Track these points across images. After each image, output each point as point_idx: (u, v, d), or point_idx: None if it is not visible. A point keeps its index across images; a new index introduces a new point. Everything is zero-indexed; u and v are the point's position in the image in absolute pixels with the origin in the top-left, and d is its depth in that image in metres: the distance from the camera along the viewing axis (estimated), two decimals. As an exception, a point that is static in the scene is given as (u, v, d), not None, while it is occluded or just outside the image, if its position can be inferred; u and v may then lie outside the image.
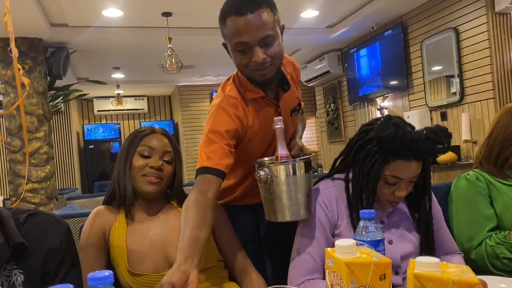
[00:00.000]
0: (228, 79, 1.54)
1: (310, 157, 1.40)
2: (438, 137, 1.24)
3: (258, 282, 1.43)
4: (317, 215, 1.39)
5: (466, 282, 0.52)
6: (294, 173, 1.34)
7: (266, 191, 1.37)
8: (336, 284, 0.64)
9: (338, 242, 0.65)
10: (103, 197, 1.53)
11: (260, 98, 1.51)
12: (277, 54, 1.35)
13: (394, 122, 1.26)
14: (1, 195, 7.25)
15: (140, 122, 9.66)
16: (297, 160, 1.37)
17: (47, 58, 4.90)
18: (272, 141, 1.55)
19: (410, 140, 1.22)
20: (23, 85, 3.44)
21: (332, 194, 1.41)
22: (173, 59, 4.26)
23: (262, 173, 1.34)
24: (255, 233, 1.67)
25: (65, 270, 1.18)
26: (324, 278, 1.30)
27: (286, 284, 1.28)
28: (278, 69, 1.42)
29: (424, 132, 1.24)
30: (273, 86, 1.52)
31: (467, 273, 0.55)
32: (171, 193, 1.46)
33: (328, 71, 6.51)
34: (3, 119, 6.00)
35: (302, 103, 1.71)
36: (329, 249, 0.67)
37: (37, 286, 1.13)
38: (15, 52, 1.56)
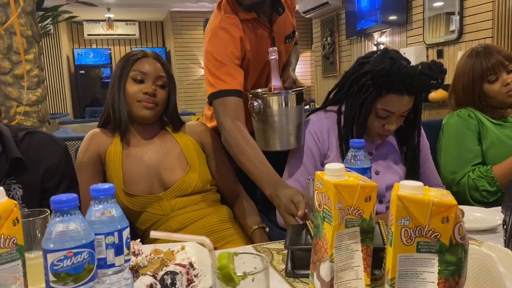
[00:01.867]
0: None
1: (302, 89, 1.42)
2: (433, 72, 1.25)
3: (248, 206, 1.50)
4: (308, 145, 1.43)
5: (445, 203, 0.57)
6: (286, 104, 1.37)
7: (258, 121, 1.41)
8: (324, 204, 0.68)
9: (328, 165, 0.68)
10: (95, 123, 1.60)
11: (253, 20, 1.50)
12: None
13: (390, 56, 1.26)
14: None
15: (131, 48, 9.43)
16: (290, 92, 1.39)
17: (35, -25, 4.64)
18: (264, 69, 1.56)
19: (405, 75, 1.24)
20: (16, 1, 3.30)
21: (324, 126, 1.44)
22: (166, -18, 4.07)
23: (255, 103, 1.37)
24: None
25: (64, 187, 1.23)
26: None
27: (275, 210, 1.34)
28: None
29: (419, 67, 1.25)
30: (266, 8, 1.50)
31: (446, 196, 0.59)
32: (166, 118, 1.47)
33: (327, 2, 6.30)
34: (-10, 39, 5.79)
35: (296, 32, 1.70)
36: (319, 172, 0.71)
37: (36, 201, 1.17)
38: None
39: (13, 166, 1.14)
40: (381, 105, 1.30)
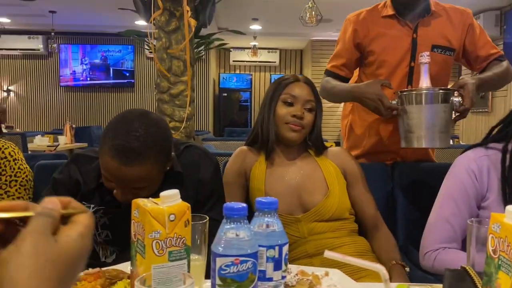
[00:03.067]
0: None
1: (450, 90, 1.43)
2: None
3: (388, 240, 1.42)
4: (464, 183, 1.30)
5: None
6: (432, 102, 1.36)
7: (404, 118, 1.45)
8: (500, 250, 0.61)
9: (510, 207, 0.61)
10: (233, 142, 1.78)
11: (393, 17, 1.67)
12: None
13: None
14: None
15: (270, 75, 9.88)
16: (437, 89, 1.41)
17: (196, 6, 5.21)
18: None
19: None
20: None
21: (484, 164, 1.30)
22: (313, 12, 4.20)
23: (399, 100, 1.45)
24: (389, 192, 1.64)
25: (213, 201, 1.28)
26: (461, 249, 1.23)
27: (418, 248, 1.25)
28: None
29: None
30: (416, 9, 1.64)
31: None
32: (310, 141, 1.49)
33: (481, 33, 5.81)
34: (154, 62, 6.64)
35: (455, 49, 1.69)
36: (496, 213, 0.63)
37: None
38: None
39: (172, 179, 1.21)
40: None
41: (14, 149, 1.42)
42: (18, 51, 8.39)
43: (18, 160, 1.40)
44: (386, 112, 1.47)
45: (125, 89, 8.75)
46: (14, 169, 1.38)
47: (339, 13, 6.35)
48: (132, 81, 8.80)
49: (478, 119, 6.33)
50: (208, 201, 1.28)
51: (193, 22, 1.96)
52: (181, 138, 5.42)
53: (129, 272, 0.86)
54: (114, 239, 1.26)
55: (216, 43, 6.78)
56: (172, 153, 1.17)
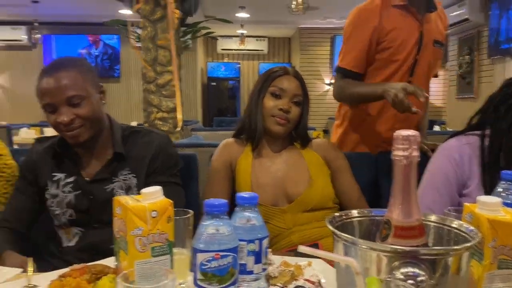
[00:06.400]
0: None
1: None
2: None
3: None
4: (445, 171, 1.33)
5: None
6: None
7: None
8: (473, 239, 0.63)
9: (482, 198, 0.62)
10: (223, 131, 1.79)
11: (403, 7, 1.65)
12: None
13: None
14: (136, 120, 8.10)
15: (259, 63, 9.84)
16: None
17: (181, -5, 5.14)
18: (404, 62, 1.65)
19: None
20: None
21: (465, 152, 1.33)
22: (299, 0, 4.19)
23: None
24: (374, 180, 1.67)
25: (171, 169, 1.37)
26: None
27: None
28: None
29: None
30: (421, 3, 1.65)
31: None
32: (295, 135, 1.50)
33: (467, 19, 5.84)
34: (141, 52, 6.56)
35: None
36: (468, 204, 0.65)
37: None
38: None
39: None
40: None
41: None
42: (1, 42, 8.23)
43: (4, 155, 1.40)
44: (407, 101, 1.38)
45: (110, 79, 8.65)
46: None
47: (326, 1, 6.34)
48: (118, 71, 8.70)
49: (465, 105, 6.40)
50: (167, 169, 1.35)
51: (177, 13, 1.95)
52: (169, 128, 5.40)
53: (113, 267, 0.87)
54: (77, 219, 1.29)
55: (203, 31, 6.72)
56: (102, 85, 1.33)
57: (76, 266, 0.86)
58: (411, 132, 0.58)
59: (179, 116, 2.42)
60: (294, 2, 4.19)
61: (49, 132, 5.22)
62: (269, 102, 1.44)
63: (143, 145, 1.35)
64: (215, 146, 1.57)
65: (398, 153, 0.58)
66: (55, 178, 1.30)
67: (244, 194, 0.63)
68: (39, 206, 1.33)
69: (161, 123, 5.33)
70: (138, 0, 4.88)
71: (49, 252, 1.33)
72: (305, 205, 1.41)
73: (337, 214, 0.65)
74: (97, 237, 1.27)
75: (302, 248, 0.51)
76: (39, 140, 1.40)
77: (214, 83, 9.65)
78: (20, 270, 0.95)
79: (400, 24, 1.64)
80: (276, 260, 0.86)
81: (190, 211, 0.87)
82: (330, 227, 0.60)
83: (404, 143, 0.57)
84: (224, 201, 0.58)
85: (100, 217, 1.28)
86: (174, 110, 5.39)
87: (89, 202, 1.29)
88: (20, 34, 8.15)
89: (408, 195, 0.58)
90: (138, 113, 8.72)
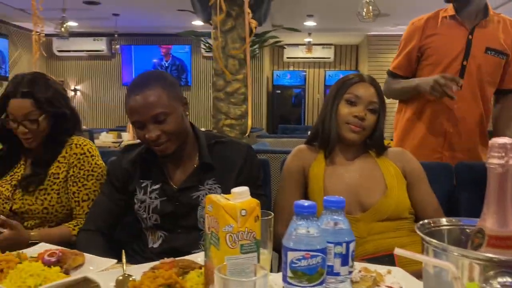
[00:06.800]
0: None
1: None
2: None
3: None
4: None
5: None
6: None
7: None
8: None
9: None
10: (287, 139, 1.93)
11: (452, 17, 1.83)
12: None
13: None
14: (205, 127, 8.37)
15: (325, 71, 9.79)
16: None
17: (251, 5, 5.26)
18: (447, 68, 1.81)
19: None
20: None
21: None
22: (370, 7, 4.12)
23: None
24: (452, 193, 1.61)
25: (255, 180, 1.41)
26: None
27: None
28: None
29: None
30: (473, 11, 1.82)
31: None
32: (370, 142, 1.49)
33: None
34: (211, 61, 6.79)
35: (509, 54, 1.81)
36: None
37: None
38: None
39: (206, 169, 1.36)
40: None
41: (91, 146, 1.54)
42: (84, 52, 8.90)
43: (95, 156, 1.52)
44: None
45: (182, 87, 9.02)
46: (91, 164, 1.50)
47: (397, 7, 6.18)
48: (189, 79, 9.07)
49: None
50: (253, 182, 1.36)
51: (254, 24, 2.05)
52: (235, 135, 5.53)
53: (200, 263, 0.93)
54: (162, 223, 1.35)
55: (271, 40, 6.83)
56: (185, 98, 1.36)
57: (165, 259, 0.92)
58: (507, 140, 0.56)
59: (249, 122, 2.49)
60: (365, 9, 4.13)
61: (126, 136, 5.56)
62: (344, 109, 1.44)
63: (229, 157, 1.38)
64: (281, 152, 1.60)
65: (494, 161, 0.57)
66: (143, 185, 1.37)
67: (332, 197, 0.64)
68: (123, 211, 1.41)
69: (228, 129, 5.48)
70: (211, 11, 5.07)
71: (133, 250, 1.41)
72: (379, 214, 1.39)
73: (425, 221, 0.65)
74: (179, 241, 1.32)
75: (399, 251, 0.52)
76: (126, 149, 1.46)
77: (279, 91, 9.73)
78: (115, 261, 1.04)
79: (445, 32, 1.84)
80: (356, 266, 0.87)
81: (271, 213, 0.90)
82: (420, 233, 0.60)
83: (500, 151, 0.56)
84: (313, 203, 0.61)
85: (184, 223, 1.33)
86: (241, 117, 5.51)
87: (175, 208, 1.34)
88: (101, 45, 8.77)
89: (503, 204, 0.57)
90: (206, 120, 9.03)
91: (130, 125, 5.72)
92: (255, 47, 6.36)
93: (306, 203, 0.59)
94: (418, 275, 0.94)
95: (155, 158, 1.36)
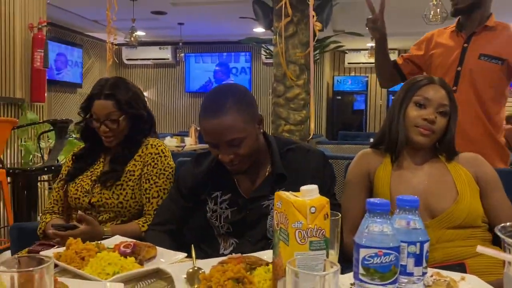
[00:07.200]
0: None
1: None
2: None
3: None
4: None
5: None
6: None
7: None
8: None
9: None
10: (348, 145, 1.96)
11: (454, 31, 2.04)
12: None
13: None
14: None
15: (387, 76, 9.51)
16: None
17: (314, 9, 5.26)
18: (450, 71, 2.00)
19: None
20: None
21: None
22: (438, 9, 3.97)
23: None
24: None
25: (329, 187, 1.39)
26: None
27: None
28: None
29: None
30: (474, 21, 1.99)
31: None
32: (440, 147, 1.44)
33: None
34: (271, 67, 6.86)
35: (505, 59, 1.91)
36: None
37: None
38: (311, 2, 1.92)
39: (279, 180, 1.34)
40: None
41: (165, 147, 1.64)
42: (150, 60, 9.34)
43: (168, 157, 1.61)
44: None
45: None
46: (164, 164, 1.58)
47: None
48: (250, 85, 9.21)
49: None
50: (327, 190, 1.34)
51: (319, 26, 2.13)
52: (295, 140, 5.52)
53: (265, 260, 0.94)
54: (233, 231, 1.37)
55: (332, 46, 6.77)
56: (260, 114, 1.33)
57: (233, 255, 0.95)
58: None
59: (312, 126, 2.51)
60: (432, 12, 3.98)
61: (188, 141, 5.74)
62: (413, 112, 1.40)
63: (302, 165, 1.36)
64: (342, 158, 1.59)
65: None
66: (213, 195, 1.40)
67: (405, 196, 0.63)
68: (187, 217, 1.45)
69: (288, 135, 5.49)
70: (273, 18, 5.14)
71: (203, 252, 1.43)
72: (450, 221, 1.33)
73: (507, 224, 0.62)
74: (249, 249, 1.30)
75: (481, 249, 0.50)
76: (197, 159, 1.48)
77: (340, 97, 9.59)
78: (185, 255, 1.08)
79: (445, 42, 2.06)
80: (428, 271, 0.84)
81: (338, 213, 0.89)
82: (501, 235, 0.57)
83: None
84: (386, 200, 0.60)
85: (254, 231, 1.34)
86: (301, 123, 5.50)
87: (245, 217, 1.35)
88: (166, 53, 9.15)
89: None
90: (265, 126, 9.11)
91: (193, 131, 5.90)
92: (316, 52, 6.34)
93: (378, 200, 0.59)
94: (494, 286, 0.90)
95: (225, 170, 1.35)
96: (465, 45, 1.99)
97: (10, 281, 0.61)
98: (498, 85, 1.99)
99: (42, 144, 3.61)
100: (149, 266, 1.04)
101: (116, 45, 3.68)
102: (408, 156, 1.46)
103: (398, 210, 0.64)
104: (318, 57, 7.41)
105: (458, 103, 1.78)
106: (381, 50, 2.20)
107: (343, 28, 7.20)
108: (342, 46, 6.71)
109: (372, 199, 0.60)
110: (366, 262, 0.57)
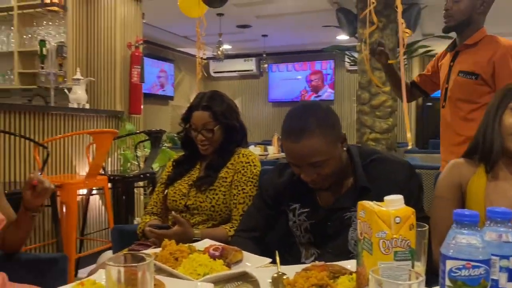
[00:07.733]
0: None
1: None
2: None
3: None
4: None
5: None
6: None
7: None
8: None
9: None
10: (439, 154, 2.06)
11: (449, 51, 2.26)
12: None
13: None
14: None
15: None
16: None
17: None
18: (442, 89, 2.24)
19: None
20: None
21: None
22: None
23: None
24: None
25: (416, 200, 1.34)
26: None
27: None
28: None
29: None
30: (465, 37, 2.13)
31: None
32: None
33: None
34: (355, 75, 6.75)
35: (479, 74, 2.04)
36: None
37: None
38: (400, 8, 1.95)
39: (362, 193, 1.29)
40: None
41: (255, 157, 1.74)
42: (236, 72, 9.68)
43: (257, 166, 1.71)
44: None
45: (326, 102, 9.12)
46: (252, 172, 1.68)
47: None
48: (332, 94, 9.12)
49: None
50: (414, 204, 1.27)
51: (409, 33, 2.13)
52: (381, 149, 5.35)
53: (349, 269, 0.95)
54: (315, 242, 1.38)
55: (420, 50, 6.48)
56: (344, 133, 1.31)
57: (317, 263, 0.96)
58: None
59: (408, 135, 2.56)
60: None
61: (271, 150, 5.84)
62: (509, 119, 1.31)
63: (387, 177, 1.32)
64: (432, 168, 1.52)
65: None
66: (291, 207, 1.43)
67: (497, 208, 0.61)
68: (270, 225, 1.49)
69: (374, 144, 5.34)
70: (357, 25, 5.07)
71: (285, 259, 1.46)
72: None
73: None
74: (330, 260, 1.31)
75: None
76: (280, 168, 1.49)
77: (430, 103, 9.11)
78: (269, 260, 1.12)
79: (444, 61, 2.25)
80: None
81: (425, 224, 0.87)
82: None
83: None
84: (475, 212, 0.58)
85: (335, 243, 1.33)
86: (387, 131, 5.33)
87: (326, 228, 1.35)
88: (251, 65, 9.43)
89: None
90: (349, 134, 8.94)
91: (275, 140, 5.99)
92: (404, 58, 6.11)
93: (466, 211, 0.57)
94: None
95: (307, 184, 1.34)
96: (451, 63, 2.17)
97: (117, 274, 0.69)
98: (470, 99, 2.10)
99: (139, 153, 3.92)
100: (236, 269, 1.09)
101: (204, 59, 3.90)
102: (504, 166, 1.36)
103: (488, 222, 0.61)
104: (406, 62, 7.13)
105: (444, 117, 2.23)
106: (391, 72, 2.44)
107: (432, 32, 6.86)
108: (431, 50, 6.40)
109: (459, 210, 0.58)
110: (453, 274, 0.56)
